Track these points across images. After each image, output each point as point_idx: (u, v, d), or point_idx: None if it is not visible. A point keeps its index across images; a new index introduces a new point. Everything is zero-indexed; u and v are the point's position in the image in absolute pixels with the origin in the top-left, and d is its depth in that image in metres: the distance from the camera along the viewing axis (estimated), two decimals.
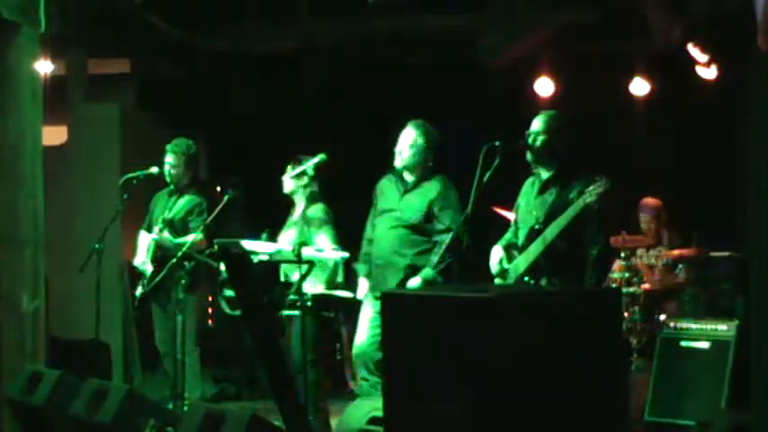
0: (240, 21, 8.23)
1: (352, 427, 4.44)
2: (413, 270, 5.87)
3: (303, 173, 5.85)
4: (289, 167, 6.53)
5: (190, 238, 6.46)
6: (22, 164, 6.24)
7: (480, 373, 3.18)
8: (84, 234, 7.52)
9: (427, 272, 5.80)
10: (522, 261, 5.19)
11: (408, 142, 6.00)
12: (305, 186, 6.37)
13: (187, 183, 6.93)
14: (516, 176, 5.48)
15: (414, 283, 5.79)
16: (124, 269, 8.19)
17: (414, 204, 5.97)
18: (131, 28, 8.01)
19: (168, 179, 6.90)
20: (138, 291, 6.81)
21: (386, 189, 6.15)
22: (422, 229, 5.94)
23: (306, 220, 6.24)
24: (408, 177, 6.05)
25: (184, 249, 6.25)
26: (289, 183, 6.47)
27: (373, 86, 8.60)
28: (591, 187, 4.93)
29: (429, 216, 5.94)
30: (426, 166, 6.03)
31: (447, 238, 5.75)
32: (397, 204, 6.04)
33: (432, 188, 5.98)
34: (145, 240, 6.89)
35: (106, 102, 8.88)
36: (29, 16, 6.12)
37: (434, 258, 5.81)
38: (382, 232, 6.05)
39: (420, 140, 5.98)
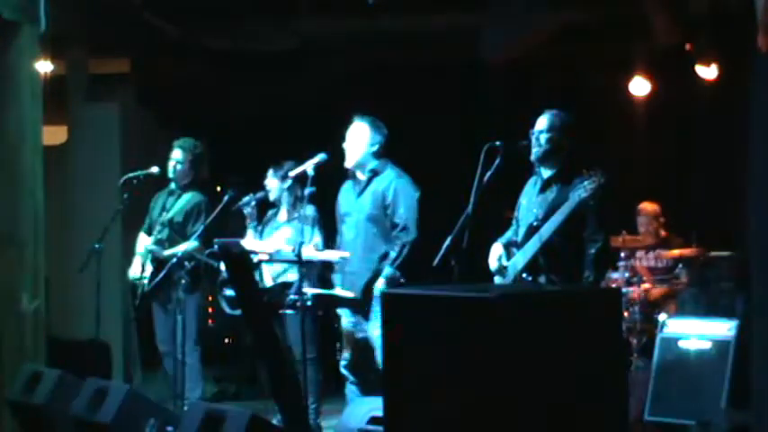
0: (240, 20, 8.22)
1: (352, 427, 4.43)
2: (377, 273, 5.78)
3: (303, 173, 5.85)
4: (270, 172, 6.58)
5: (183, 246, 6.49)
6: (22, 163, 6.25)
7: (480, 373, 3.18)
8: (84, 234, 7.52)
9: (386, 270, 5.72)
10: (520, 258, 5.19)
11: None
12: (291, 188, 6.41)
13: (189, 182, 6.92)
14: (518, 177, 5.47)
15: (378, 284, 5.69)
16: (124, 269, 8.19)
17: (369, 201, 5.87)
18: (131, 28, 8.01)
19: (171, 175, 6.86)
20: (139, 290, 6.80)
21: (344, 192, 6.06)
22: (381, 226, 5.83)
23: (303, 218, 6.26)
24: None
25: (179, 255, 6.30)
26: (274, 188, 6.52)
27: (373, 86, 8.60)
28: (585, 182, 4.92)
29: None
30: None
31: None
32: (354, 205, 5.95)
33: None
34: (142, 243, 6.88)
35: (106, 102, 8.88)
36: (29, 16, 6.13)
37: (392, 255, 5.75)
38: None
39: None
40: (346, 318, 5.93)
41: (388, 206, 5.80)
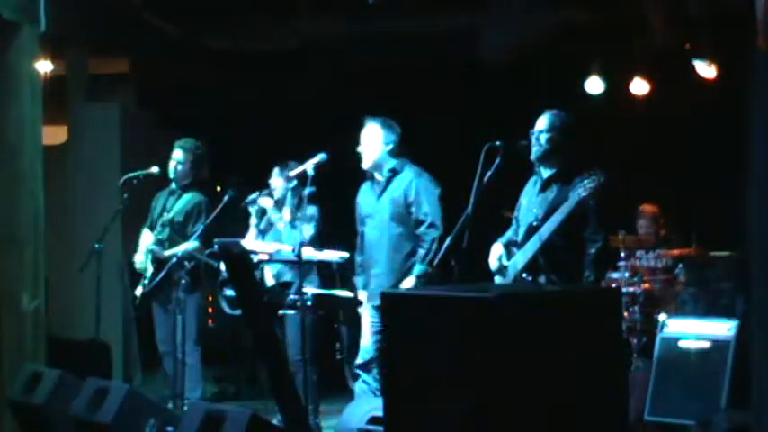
0: (240, 20, 8.23)
1: (352, 427, 4.44)
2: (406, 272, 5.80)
3: (303, 173, 5.86)
4: (275, 171, 6.59)
5: (183, 246, 6.50)
6: (22, 163, 6.25)
7: (480, 373, 3.18)
8: (84, 234, 7.53)
9: (418, 267, 5.75)
10: (521, 258, 5.19)
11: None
12: (296, 188, 6.42)
13: (189, 182, 6.92)
14: (518, 177, 5.47)
15: (408, 283, 5.71)
16: (124, 269, 8.20)
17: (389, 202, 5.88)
18: (131, 28, 8.02)
19: (172, 175, 6.87)
20: (139, 290, 6.81)
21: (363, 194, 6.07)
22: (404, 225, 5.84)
23: (304, 218, 6.27)
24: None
25: (179, 255, 6.31)
26: (279, 187, 6.53)
27: (373, 86, 8.61)
28: (585, 182, 4.93)
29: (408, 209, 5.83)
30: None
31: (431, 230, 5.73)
32: (375, 206, 5.95)
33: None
34: (146, 240, 6.89)
35: (106, 102, 8.89)
36: (29, 16, 6.13)
37: (421, 252, 5.77)
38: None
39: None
40: (370, 318, 5.92)
41: (410, 205, 5.82)
